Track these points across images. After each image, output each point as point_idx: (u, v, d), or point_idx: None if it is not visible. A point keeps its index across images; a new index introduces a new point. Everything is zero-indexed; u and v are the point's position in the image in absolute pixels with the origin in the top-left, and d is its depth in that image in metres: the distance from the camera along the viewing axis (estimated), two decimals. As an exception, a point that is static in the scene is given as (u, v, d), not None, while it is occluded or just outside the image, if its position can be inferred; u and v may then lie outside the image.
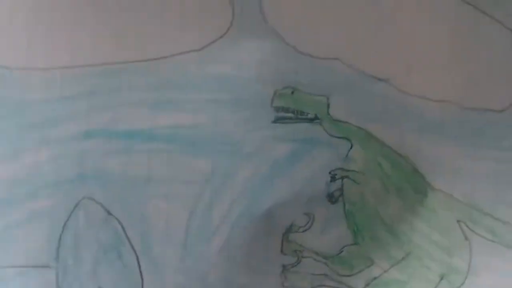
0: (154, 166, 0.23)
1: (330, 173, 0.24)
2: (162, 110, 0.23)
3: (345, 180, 0.24)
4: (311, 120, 0.24)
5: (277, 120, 0.24)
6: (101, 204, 0.23)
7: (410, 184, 0.24)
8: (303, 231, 0.24)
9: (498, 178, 0.24)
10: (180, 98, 0.23)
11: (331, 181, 0.24)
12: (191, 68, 0.23)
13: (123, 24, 0.23)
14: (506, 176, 0.24)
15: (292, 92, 0.24)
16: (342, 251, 0.24)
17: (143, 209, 0.23)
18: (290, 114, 0.24)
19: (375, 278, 0.24)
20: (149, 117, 0.23)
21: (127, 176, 0.23)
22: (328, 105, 0.24)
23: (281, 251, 0.24)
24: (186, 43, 0.23)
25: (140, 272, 0.23)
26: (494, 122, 0.24)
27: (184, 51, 0.23)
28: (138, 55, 0.23)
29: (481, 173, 0.24)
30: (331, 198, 0.24)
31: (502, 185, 0.24)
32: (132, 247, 0.23)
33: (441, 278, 0.24)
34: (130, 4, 0.23)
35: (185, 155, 0.23)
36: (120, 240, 0.23)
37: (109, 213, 0.23)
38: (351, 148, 0.24)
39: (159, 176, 0.23)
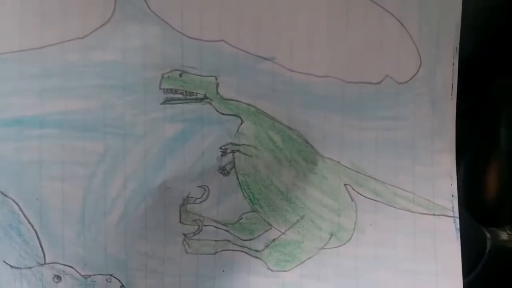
0: (46, 150, 0.24)
1: (220, 148, 0.25)
2: (50, 97, 0.23)
3: (236, 154, 0.25)
4: (200, 100, 0.24)
5: (166, 101, 0.24)
6: (-4, 188, 0.23)
7: (301, 155, 0.25)
8: (200, 202, 0.25)
9: (378, 144, 0.25)
10: (67, 85, 0.23)
11: (222, 155, 0.25)
12: (76, 55, 0.23)
13: (2, 15, 0.23)
14: (384, 142, 0.25)
15: (180, 75, 0.24)
16: (241, 218, 0.26)
17: (39, 190, 0.24)
18: (179, 95, 0.24)
19: (273, 240, 0.26)
20: (37, 104, 0.23)
21: (20, 160, 0.23)
22: (217, 85, 0.24)
23: (180, 221, 0.25)
24: (69, 31, 0.23)
25: (41, 247, 0.24)
26: (373, 94, 0.25)
27: (67, 39, 0.23)
28: (17, 45, 0.23)
29: (364, 141, 0.25)
30: (223, 171, 0.25)
31: (382, 151, 0.25)
32: (31, 224, 0.24)
33: (331, 236, 0.26)
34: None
35: (77, 138, 0.24)
36: (18, 219, 0.24)
37: (5, 195, 0.24)
38: (241, 124, 0.25)
39: (51, 159, 0.24)
